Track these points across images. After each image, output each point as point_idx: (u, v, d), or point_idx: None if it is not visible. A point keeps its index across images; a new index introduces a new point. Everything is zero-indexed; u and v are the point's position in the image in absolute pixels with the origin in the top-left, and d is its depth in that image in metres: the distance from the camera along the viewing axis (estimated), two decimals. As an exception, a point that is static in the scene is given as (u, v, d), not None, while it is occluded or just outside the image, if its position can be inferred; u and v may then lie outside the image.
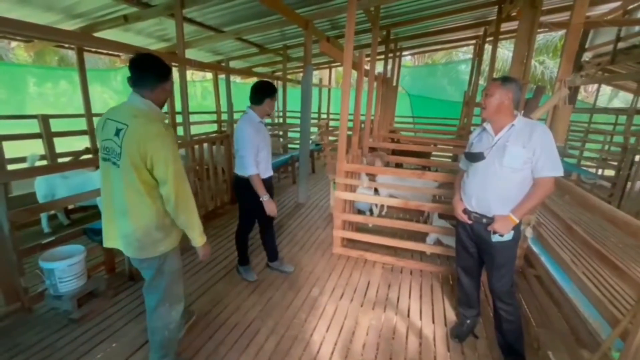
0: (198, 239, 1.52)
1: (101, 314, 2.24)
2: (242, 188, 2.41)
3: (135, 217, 1.40)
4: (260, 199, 2.35)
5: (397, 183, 3.63)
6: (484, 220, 1.77)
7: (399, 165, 5.56)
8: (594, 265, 2.92)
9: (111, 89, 8.06)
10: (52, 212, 3.52)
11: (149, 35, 4.71)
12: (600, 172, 6.04)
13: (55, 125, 4.12)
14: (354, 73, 3.59)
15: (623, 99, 12.94)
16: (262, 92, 2.31)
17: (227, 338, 2.06)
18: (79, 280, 2.23)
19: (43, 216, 3.41)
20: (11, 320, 2.11)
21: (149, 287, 1.61)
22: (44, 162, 3.67)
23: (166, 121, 1.43)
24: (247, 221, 2.64)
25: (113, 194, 1.42)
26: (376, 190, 3.74)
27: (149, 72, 1.37)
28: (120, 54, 5.22)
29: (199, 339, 2.05)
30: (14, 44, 10.76)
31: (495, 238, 1.73)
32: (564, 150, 6.61)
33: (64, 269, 2.13)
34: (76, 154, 4.16)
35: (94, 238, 2.43)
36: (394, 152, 5.35)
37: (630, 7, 4.49)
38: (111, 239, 1.51)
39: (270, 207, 2.39)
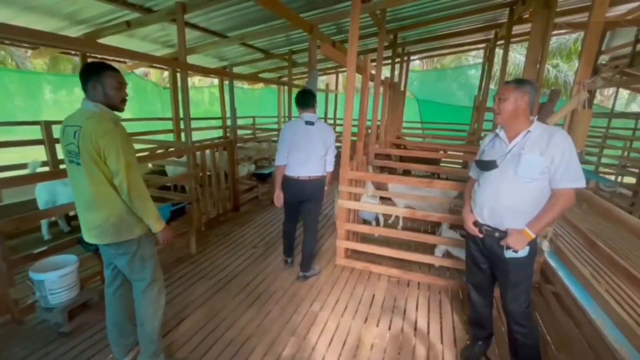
0: (155, 225, 1.62)
1: (94, 327, 2.16)
2: (323, 188, 2.74)
3: (105, 206, 1.52)
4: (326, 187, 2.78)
5: (412, 192, 3.46)
6: (497, 234, 1.62)
7: (407, 173, 5.40)
8: (619, 283, 2.71)
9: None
10: (53, 219, 3.49)
11: (154, 41, 4.71)
12: (620, 179, 5.77)
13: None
14: (360, 78, 3.49)
15: (641, 103, 12.53)
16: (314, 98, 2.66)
17: (221, 356, 1.95)
18: (70, 291, 2.16)
19: (43, 223, 3.38)
20: (0, 333, 2.04)
21: (132, 273, 1.68)
22: (46, 169, 3.65)
23: (119, 121, 1.53)
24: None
25: (81, 190, 1.53)
26: (382, 199, 3.60)
27: (84, 77, 1.48)
28: (126, 60, 5.25)
29: (192, 355, 1.94)
30: (30, 52, 11.05)
31: (508, 254, 1.58)
32: (581, 156, 6.35)
33: (55, 280, 2.06)
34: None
35: (88, 247, 2.34)
36: (402, 159, 5.20)
37: (650, 7, 4.28)
38: (90, 230, 1.59)
39: None
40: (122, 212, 1.54)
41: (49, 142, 3.64)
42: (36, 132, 3.74)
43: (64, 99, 7.24)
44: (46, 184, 3.21)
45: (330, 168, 2.74)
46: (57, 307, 2.08)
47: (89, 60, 4.24)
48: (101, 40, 3.95)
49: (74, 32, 3.92)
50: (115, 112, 1.56)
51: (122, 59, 5.23)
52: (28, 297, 2.23)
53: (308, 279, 2.83)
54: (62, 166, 3.86)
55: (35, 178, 2.92)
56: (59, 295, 2.10)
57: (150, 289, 1.71)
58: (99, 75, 1.48)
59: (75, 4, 3.24)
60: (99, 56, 4.34)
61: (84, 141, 1.42)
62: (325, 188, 2.78)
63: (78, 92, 7.41)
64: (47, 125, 3.61)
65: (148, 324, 1.72)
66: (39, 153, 3.77)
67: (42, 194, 3.22)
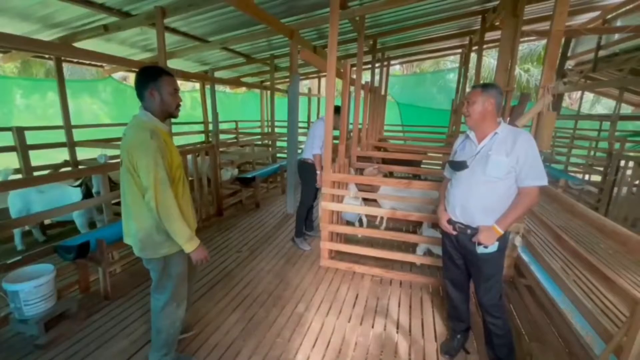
0: (185, 245, 1.53)
1: (71, 338, 2.10)
2: (310, 171, 3.33)
3: (137, 219, 1.50)
4: (317, 172, 3.28)
5: (396, 194, 3.54)
6: (469, 231, 1.71)
7: (389, 174, 5.51)
8: (586, 274, 2.88)
9: (100, 99, 7.93)
10: (27, 228, 3.36)
11: (133, 45, 4.64)
12: (587, 177, 6.10)
13: (44, 137, 4.05)
14: (341, 82, 3.56)
15: (605, 104, 13.28)
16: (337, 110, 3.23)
17: (205, 361, 1.94)
18: (47, 302, 2.09)
19: (16, 232, 3.25)
20: (-29, 348, 1.96)
21: (156, 288, 1.67)
22: (19, 176, 3.51)
23: (157, 132, 1.45)
24: (313, 198, 3.52)
25: (122, 195, 1.54)
26: (365, 200, 3.67)
27: (141, 84, 1.47)
28: (103, 64, 5.13)
29: (175, 362, 1.92)
30: (-2, 55, 10.59)
31: (480, 249, 1.67)
32: (551, 156, 6.67)
33: (30, 290, 1.99)
34: (55, 167, 4.02)
35: (66, 256, 2.29)
36: (384, 161, 5.31)
37: (609, 16, 4.60)
38: (126, 236, 1.61)
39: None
40: (151, 228, 1.49)
41: (22, 148, 3.51)
42: (7, 139, 3.61)
43: (36, 103, 7.02)
44: (19, 191, 3.10)
45: (311, 153, 3.29)
46: (33, 319, 2.02)
47: (66, 63, 4.13)
48: (77, 44, 3.86)
49: (48, 35, 3.81)
50: (150, 120, 1.50)
51: (99, 63, 5.11)
52: (1, 309, 2.16)
53: (294, 243, 3.56)
54: (35, 173, 3.74)
55: (7, 186, 2.81)
56: (35, 306, 2.03)
57: (168, 305, 1.67)
58: (155, 81, 1.45)
59: (48, 7, 3.16)
60: (75, 60, 4.24)
61: (123, 150, 1.43)
62: (318, 172, 3.26)
63: (51, 97, 7.17)
64: (19, 131, 3.48)
65: (163, 332, 1.71)
66: (10, 160, 3.64)
67: (15, 202, 3.11)
